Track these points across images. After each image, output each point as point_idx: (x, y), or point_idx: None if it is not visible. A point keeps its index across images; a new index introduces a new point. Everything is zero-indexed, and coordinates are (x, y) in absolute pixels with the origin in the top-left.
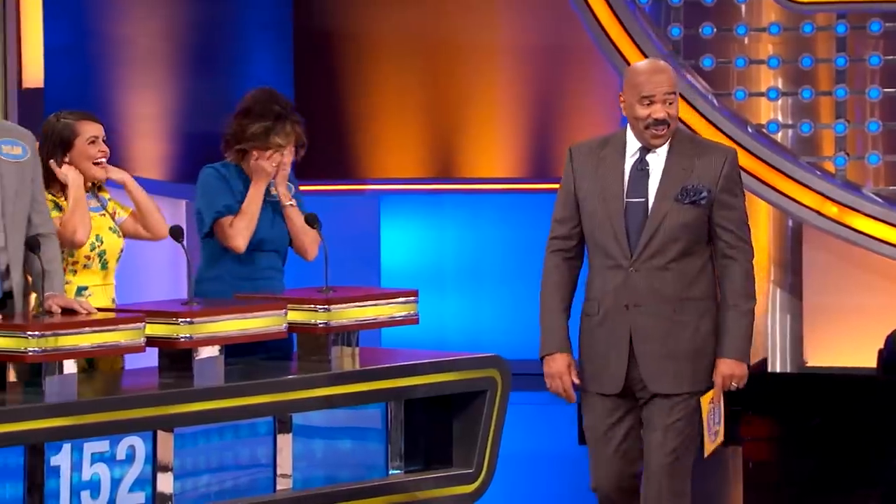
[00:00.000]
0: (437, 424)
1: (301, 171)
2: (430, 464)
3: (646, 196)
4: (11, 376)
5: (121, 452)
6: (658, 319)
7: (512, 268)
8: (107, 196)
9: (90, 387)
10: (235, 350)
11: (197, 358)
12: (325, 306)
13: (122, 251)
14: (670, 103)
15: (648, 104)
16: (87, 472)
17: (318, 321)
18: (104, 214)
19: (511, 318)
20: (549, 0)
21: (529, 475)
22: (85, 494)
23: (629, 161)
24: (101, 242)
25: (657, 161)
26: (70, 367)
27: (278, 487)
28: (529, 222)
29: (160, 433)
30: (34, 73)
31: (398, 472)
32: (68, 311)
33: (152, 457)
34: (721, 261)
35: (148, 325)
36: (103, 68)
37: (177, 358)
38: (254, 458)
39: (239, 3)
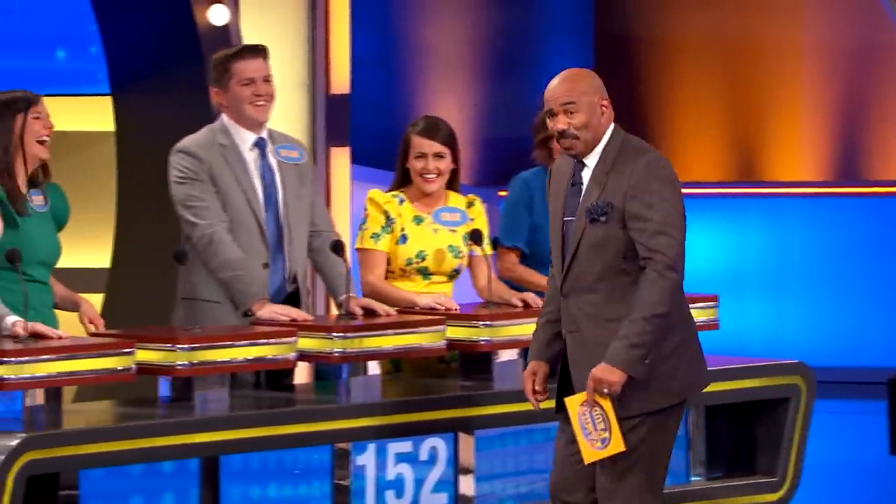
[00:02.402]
0: (739, 431)
1: None
2: (732, 471)
3: (576, 214)
4: (307, 376)
5: (423, 453)
6: (587, 344)
7: (817, 273)
8: (476, 217)
9: (393, 388)
10: None
11: (496, 361)
12: None
13: (455, 270)
14: (571, 112)
15: (551, 117)
16: (391, 472)
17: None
18: (454, 231)
19: (816, 324)
20: None
21: (837, 485)
22: (389, 494)
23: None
24: (423, 259)
25: (587, 176)
26: (374, 368)
27: None
28: (835, 226)
29: (461, 435)
30: (341, 79)
31: (700, 478)
32: (369, 312)
33: (454, 458)
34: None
35: (448, 328)
36: (407, 74)
37: (477, 360)
38: (551, 463)
39: (540, 8)
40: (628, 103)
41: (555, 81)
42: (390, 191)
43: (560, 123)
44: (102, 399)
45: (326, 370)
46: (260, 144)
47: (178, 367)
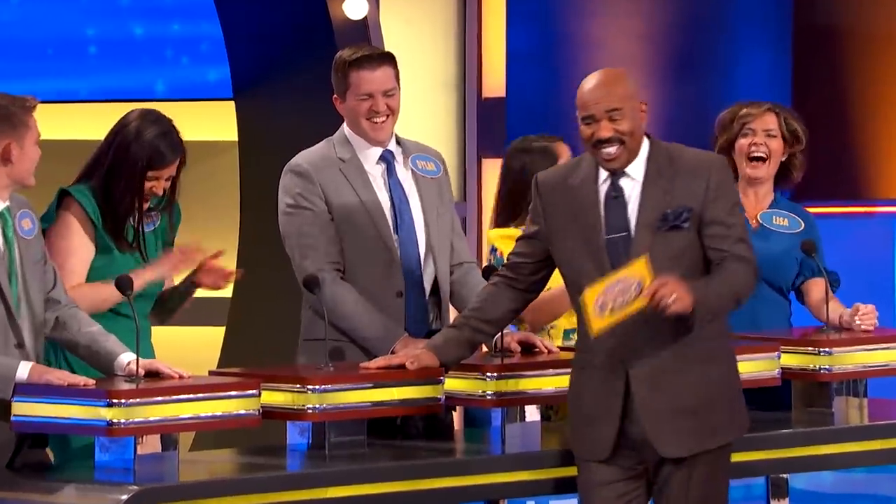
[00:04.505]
0: None
1: (800, 190)
2: None
3: (627, 229)
4: (456, 422)
5: None
6: (657, 370)
7: None
8: None
9: (554, 436)
10: None
11: None
12: (828, 349)
13: None
14: (616, 119)
15: (590, 123)
16: None
17: (820, 366)
18: None
19: None
20: None
21: None
22: None
23: (602, 189)
24: None
25: (632, 186)
26: (533, 413)
27: None
28: None
29: None
30: (496, 81)
31: None
32: (527, 348)
33: None
34: (715, 267)
35: None
36: (571, 74)
37: None
38: None
39: None
40: (830, 106)
41: (592, 83)
42: None
43: (605, 131)
44: (223, 446)
45: (478, 415)
46: (387, 157)
47: (309, 411)
